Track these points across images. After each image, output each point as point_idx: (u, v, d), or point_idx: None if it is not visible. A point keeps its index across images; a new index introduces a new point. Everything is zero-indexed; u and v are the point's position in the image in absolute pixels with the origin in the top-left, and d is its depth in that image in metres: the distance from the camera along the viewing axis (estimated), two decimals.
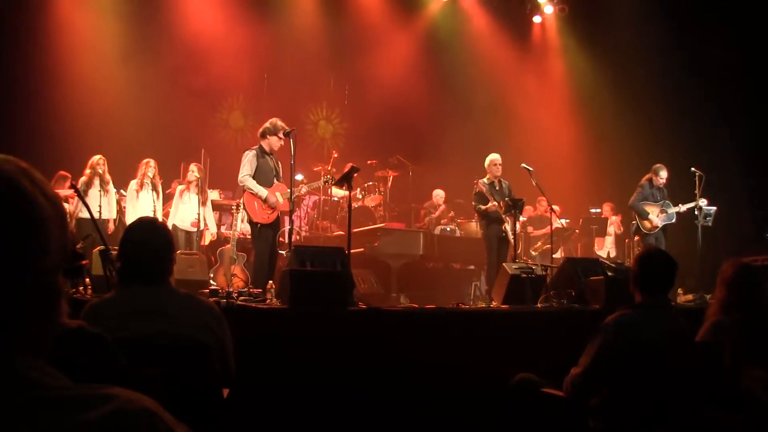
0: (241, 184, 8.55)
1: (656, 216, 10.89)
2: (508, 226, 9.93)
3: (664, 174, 11.05)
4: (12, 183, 1.03)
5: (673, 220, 10.95)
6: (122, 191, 10.75)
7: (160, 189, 10.56)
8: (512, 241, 9.92)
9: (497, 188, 10.27)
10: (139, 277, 3.28)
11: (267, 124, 8.57)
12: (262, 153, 8.54)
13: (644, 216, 10.96)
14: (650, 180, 11.12)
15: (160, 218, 10.07)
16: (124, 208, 10.59)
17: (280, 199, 8.35)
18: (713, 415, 3.84)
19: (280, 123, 8.54)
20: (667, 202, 10.99)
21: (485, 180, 10.32)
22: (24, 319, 1.04)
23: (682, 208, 10.89)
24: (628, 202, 11.22)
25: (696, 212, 10.65)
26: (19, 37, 11.80)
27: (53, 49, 12.18)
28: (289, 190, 8.15)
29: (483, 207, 10.15)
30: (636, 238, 12.80)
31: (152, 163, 10.48)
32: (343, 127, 16.07)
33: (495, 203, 9.95)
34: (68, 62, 12.27)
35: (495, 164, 10.34)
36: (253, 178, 8.44)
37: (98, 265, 5.80)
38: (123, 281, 3.38)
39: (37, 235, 1.04)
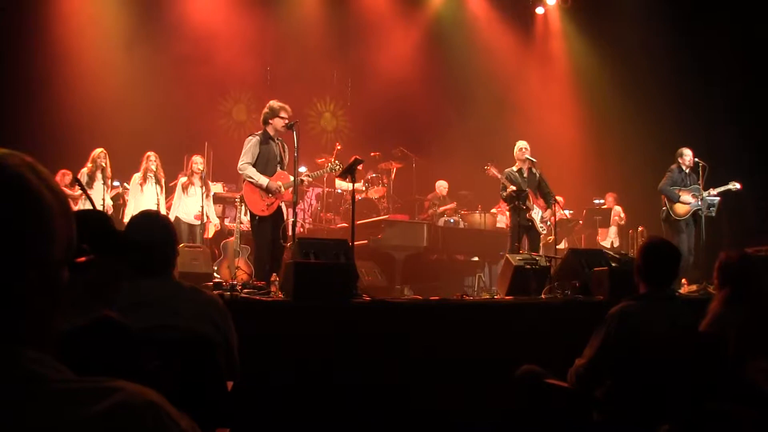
0: (240, 172, 8.31)
1: (688, 200, 10.50)
2: (534, 215, 9.85)
3: (688, 152, 10.73)
4: (18, 177, 1.04)
5: (700, 207, 10.52)
6: (125, 184, 10.77)
7: (163, 182, 10.58)
8: (539, 228, 9.91)
9: (525, 176, 10.08)
10: (143, 271, 3.28)
11: (266, 109, 8.35)
12: (265, 139, 8.29)
13: (675, 199, 10.52)
14: (679, 165, 10.75)
15: (163, 211, 10.10)
16: (128, 201, 10.61)
17: (282, 189, 8.17)
18: (717, 406, 3.84)
19: (278, 104, 8.32)
20: (698, 186, 10.60)
21: (513, 168, 10.14)
22: (29, 312, 1.05)
23: (713, 192, 10.58)
24: (658, 186, 10.76)
25: (699, 203, 10.51)
26: (21, 30, 11.79)
27: (55, 43, 12.18)
28: (292, 179, 8.06)
29: (504, 193, 9.98)
30: (640, 228, 12.79)
31: (153, 156, 10.50)
32: (347, 119, 16.07)
33: (513, 187, 9.81)
34: (71, 55, 12.27)
35: (519, 150, 10.13)
36: (256, 165, 8.20)
37: None
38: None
39: (43, 229, 1.05)
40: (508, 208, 10.35)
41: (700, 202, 10.46)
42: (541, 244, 10.31)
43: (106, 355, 2.18)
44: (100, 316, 2.27)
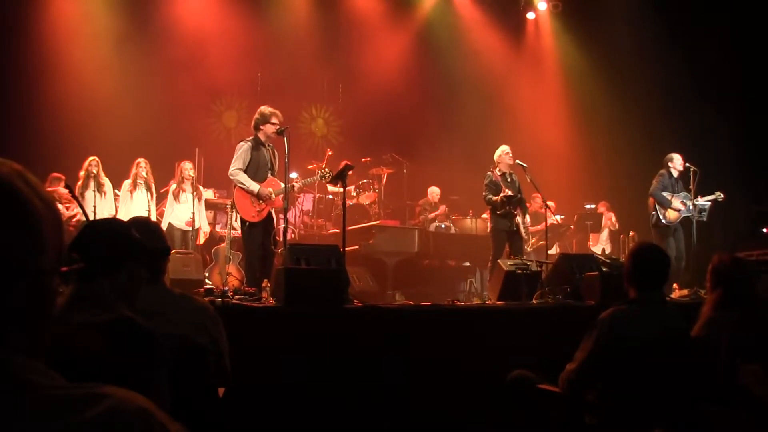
0: (231, 178, 8.28)
1: (679, 207, 10.45)
2: (519, 219, 9.84)
3: (677, 157, 10.71)
4: (7, 186, 1.03)
5: (691, 214, 10.50)
6: (116, 191, 10.74)
7: (153, 189, 10.56)
8: (524, 234, 9.90)
9: (509, 180, 10.08)
10: None
11: (257, 115, 8.35)
12: (257, 145, 8.27)
13: (666, 205, 10.48)
14: (669, 170, 10.71)
15: (153, 218, 10.08)
16: (118, 207, 10.58)
17: (273, 195, 8.15)
18: (709, 410, 3.85)
19: (269, 109, 8.32)
20: (687, 194, 10.58)
21: (497, 171, 10.11)
22: (20, 320, 1.05)
23: (701, 200, 10.53)
24: (649, 190, 10.68)
25: (691, 207, 10.50)
26: (9, 35, 11.73)
27: (44, 49, 12.13)
28: (283, 186, 8.04)
29: (494, 198, 9.85)
30: (631, 233, 12.80)
31: (143, 162, 10.47)
32: (337, 124, 16.07)
33: (508, 192, 9.82)
34: (60, 61, 12.23)
35: (507, 153, 10.08)
36: (247, 171, 8.18)
37: None
38: None
39: (33, 238, 1.05)
40: (488, 211, 10.33)
41: (692, 207, 10.45)
42: (524, 248, 10.31)
43: (127, 352, 2.26)
44: (124, 315, 2.41)
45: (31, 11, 12.23)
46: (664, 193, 10.54)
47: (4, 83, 11.47)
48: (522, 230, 9.87)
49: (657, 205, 10.58)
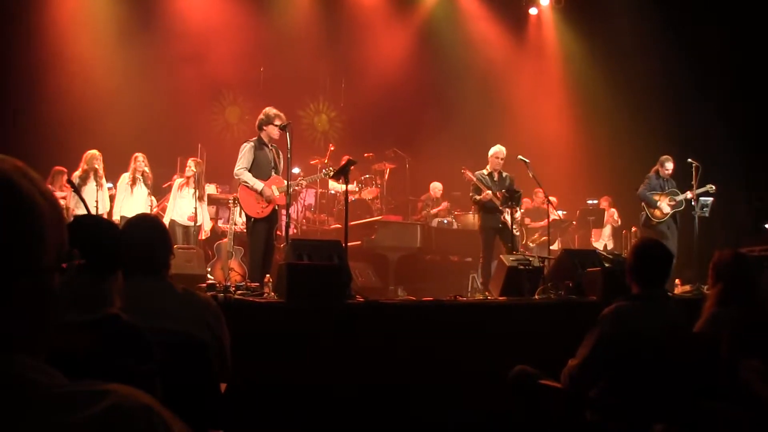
0: (236, 177, 8.42)
1: (665, 204, 10.70)
2: (508, 216, 9.88)
3: (669, 165, 10.91)
4: (9, 182, 1.03)
5: (682, 207, 10.74)
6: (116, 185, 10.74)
7: (150, 183, 10.52)
8: (513, 230, 9.93)
9: (495, 179, 10.19)
10: (137, 274, 3.28)
11: (261, 115, 8.46)
12: (260, 144, 8.41)
13: (653, 205, 10.77)
14: (657, 171, 10.96)
15: (153, 212, 10.07)
16: (116, 201, 10.55)
17: (276, 193, 8.23)
18: (711, 407, 3.84)
19: (273, 111, 8.42)
20: (675, 190, 10.80)
21: (483, 171, 10.25)
22: (21, 318, 1.04)
23: (690, 194, 10.66)
24: (637, 192, 10.98)
25: (693, 203, 10.56)
26: (11, 29, 11.72)
27: (46, 41, 12.12)
28: (286, 183, 8.09)
29: (478, 197, 10.06)
30: (633, 229, 12.81)
31: (141, 157, 10.45)
32: (340, 120, 16.06)
33: (489, 192, 9.90)
34: (62, 54, 12.21)
35: (496, 157, 10.23)
36: (250, 170, 8.31)
37: None
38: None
39: (35, 235, 1.04)
40: (476, 210, 10.43)
41: (693, 201, 10.52)
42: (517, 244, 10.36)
43: (116, 350, 2.26)
44: (109, 312, 2.39)
45: (34, 3, 12.22)
46: (652, 193, 10.85)
47: (6, 76, 11.45)
48: (510, 226, 9.93)
49: (645, 205, 10.92)
